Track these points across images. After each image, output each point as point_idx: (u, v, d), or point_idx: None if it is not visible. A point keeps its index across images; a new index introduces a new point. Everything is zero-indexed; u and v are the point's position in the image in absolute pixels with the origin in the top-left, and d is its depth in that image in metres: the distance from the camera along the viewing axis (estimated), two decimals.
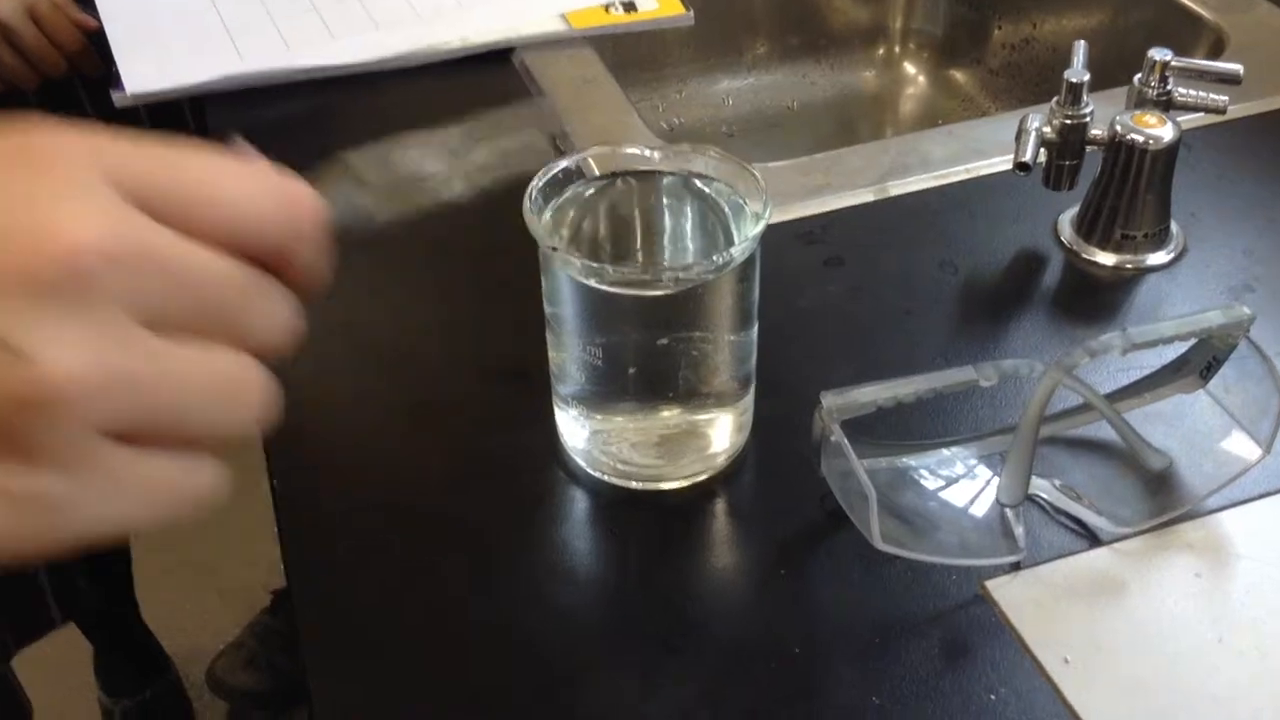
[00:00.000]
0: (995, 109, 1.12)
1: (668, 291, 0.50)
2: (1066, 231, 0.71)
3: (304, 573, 0.54)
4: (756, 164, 0.76)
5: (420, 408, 0.61)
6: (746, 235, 0.51)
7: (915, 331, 0.65)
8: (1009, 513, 0.53)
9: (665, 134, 1.11)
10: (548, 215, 0.53)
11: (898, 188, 0.74)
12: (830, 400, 0.51)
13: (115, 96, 0.85)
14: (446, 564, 0.54)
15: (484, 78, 0.87)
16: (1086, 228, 0.70)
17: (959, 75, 1.16)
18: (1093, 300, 0.67)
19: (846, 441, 0.50)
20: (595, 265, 0.49)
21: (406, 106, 0.85)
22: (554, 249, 0.50)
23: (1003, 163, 0.75)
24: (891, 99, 1.19)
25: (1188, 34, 0.91)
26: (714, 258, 0.49)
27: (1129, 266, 0.69)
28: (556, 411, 0.58)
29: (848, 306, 0.67)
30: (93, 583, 1.44)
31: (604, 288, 0.50)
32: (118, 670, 1.57)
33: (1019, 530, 0.53)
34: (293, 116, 0.84)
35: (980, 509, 0.54)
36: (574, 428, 0.57)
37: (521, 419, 0.60)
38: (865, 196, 0.74)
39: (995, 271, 0.69)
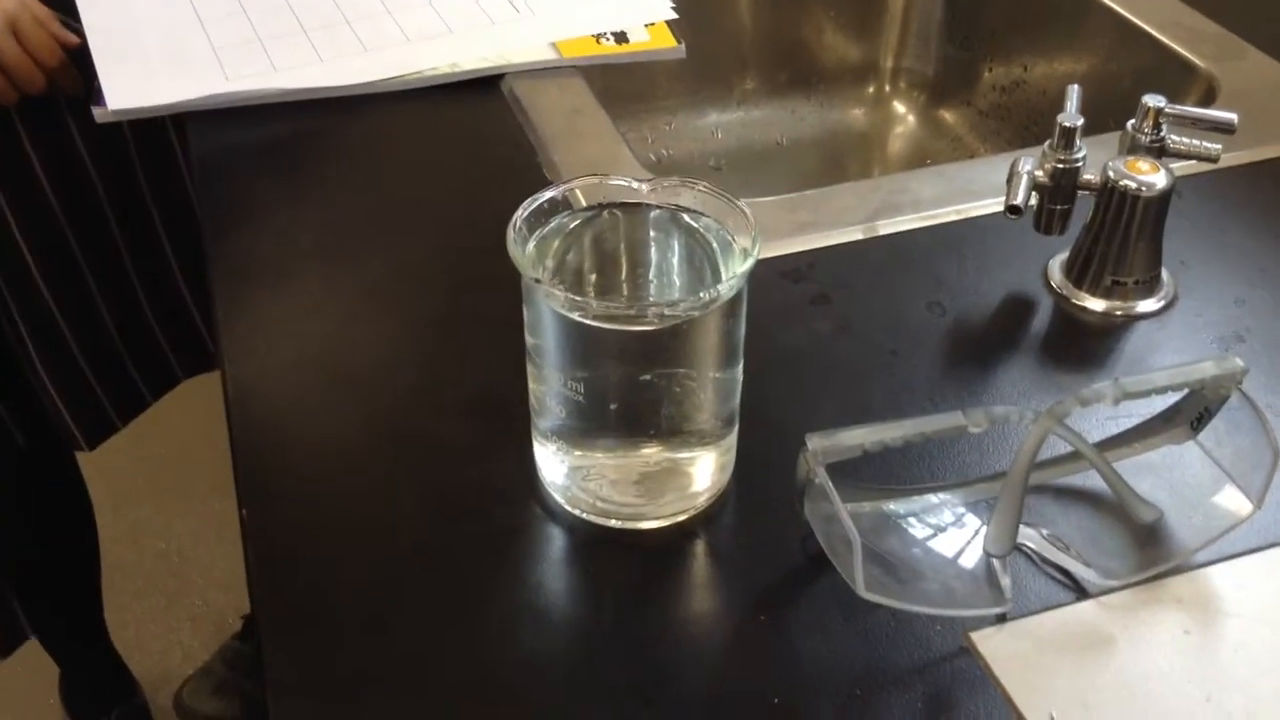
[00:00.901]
0: (984, 150, 1.11)
1: (653, 327, 0.49)
2: (1056, 276, 0.70)
3: (271, 607, 0.53)
4: (744, 199, 0.76)
5: (395, 439, 0.60)
6: (735, 272, 0.50)
7: (902, 373, 0.64)
8: (996, 562, 0.52)
9: (654, 165, 1.10)
10: (531, 246, 0.51)
11: (887, 227, 0.74)
12: (815, 443, 0.49)
13: (96, 112, 0.84)
14: (417, 599, 0.53)
15: (472, 105, 0.86)
16: (1077, 273, 0.69)
17: (948, 115, 1.16)
18: (1082, 347, 0.66)
19: (831, 485, 0.48)
20: (579, 299, 0.48)
21: (392, 131, 0.84)
22: (537, 280, 0.49)
23: (993, 204, 0.74)
24: (880, 137, 1.19)
25: (1179, 81, 0.90)
26: (701, 294, 0.48)
27: (1119, 313, 0.68)
28: (535, 445, 0.57)
29: (833, 346, 0.66)
30: (60, 604, 1.42)
31: (588, 322, 0.49)
32: (83, 692, 1.54)
33: (1005, 580, 0.51)
34: (277, 137, 0.83)
35: (967, 558, 0.53)
36: (552, 463, 0.56)
37: (499, 452, 0.59)
38: (854, 235, 0.73)
39: (984, 314, 0.68)
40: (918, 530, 0.54)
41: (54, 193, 1.03)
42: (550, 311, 0.50)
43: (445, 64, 0.87)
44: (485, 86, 0.88)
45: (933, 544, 0.54)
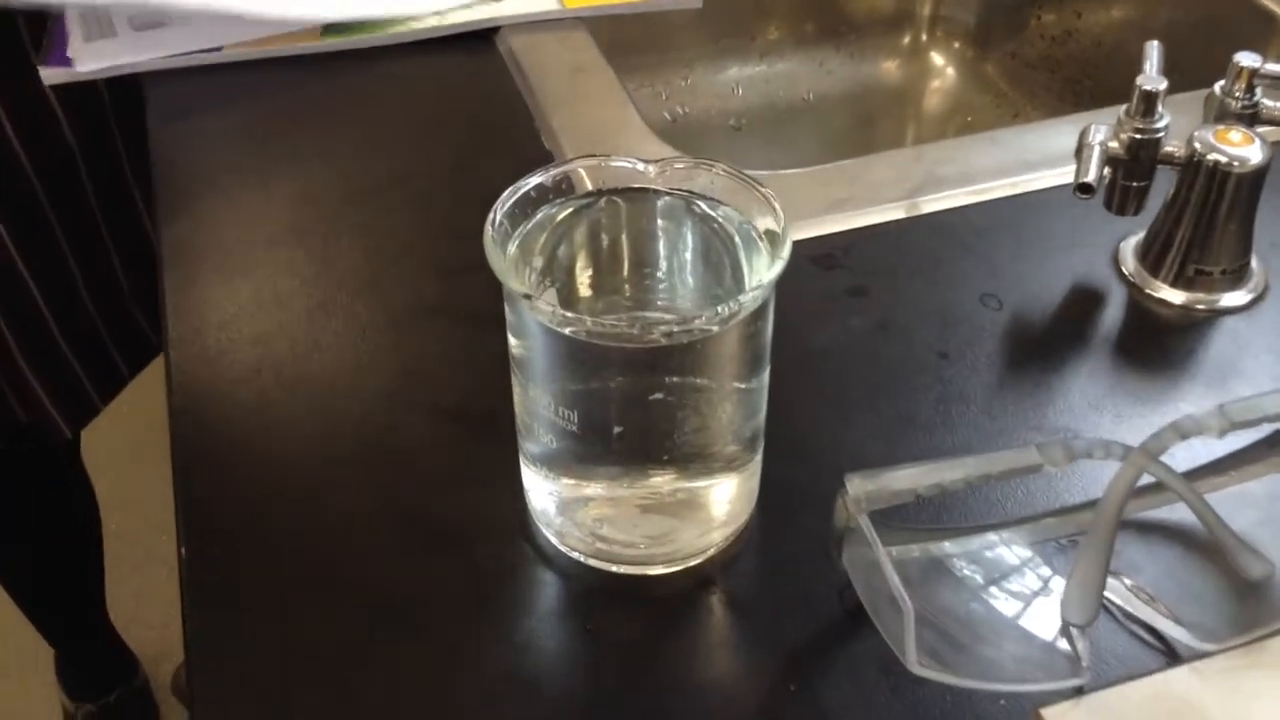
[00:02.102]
0: (1030, 108, 1.01)
1: (661, 344, 0.40)
2: (1129, 263, 0.61)
3: (209, 668, 0.45)
4: (767, 171, 0.67)
5: (362, 458, 0.51)
6: (760, 279, 0.41)
7: (952, 379, 0.55)
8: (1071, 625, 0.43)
9: (667, 125, 1.01)
10: (515, 246, 0.43)
11: (932, 203, 0.64)
12: (857, 486, 0.41)
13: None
14: (382, 660, 0.44)
15: (462, 63, 0.77)
16: (1153, 259, 0.60)
17: (990, 68, 1.06)
18: (1159, 346, 0.57)
19: (879, 542, 0.40)
20: (570, 315, 0.39)
21: (373, 94, 0.75)
22: (526, 297, 0.40)
23: (1054, 177, 0.65)
24: (916, 92, 1.09)
25: (1258, 32, 0.80)
26: (719, 309, 0.39)
27: (1200, 307, 0.59)
28: (523, 470, 0.48)
29: (872, 346, 0.57)
30: (60, 602, 1.37)
31: (582, 339, 0.40)
32: (82, 673, 1.49)
33: (1082, 645, 0.43)
34: (244, 100, 0.74)
35: (1035, 616, 0.44)
36: (542, 493, 0.48)
37: (483, 474, 0.51)
38: (894, 213, 0.64)
39: (1046, 308, 0.59)
40: (976, 579, 0.46)
41: (26, 154, 0.94)
42: (537, 323, 0.41)
43: (431, 14, 0.78)
44: (477, 41, 0.78)
45: (994, 597, 0.45)
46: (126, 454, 1.78)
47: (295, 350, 0.57)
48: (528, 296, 0.39)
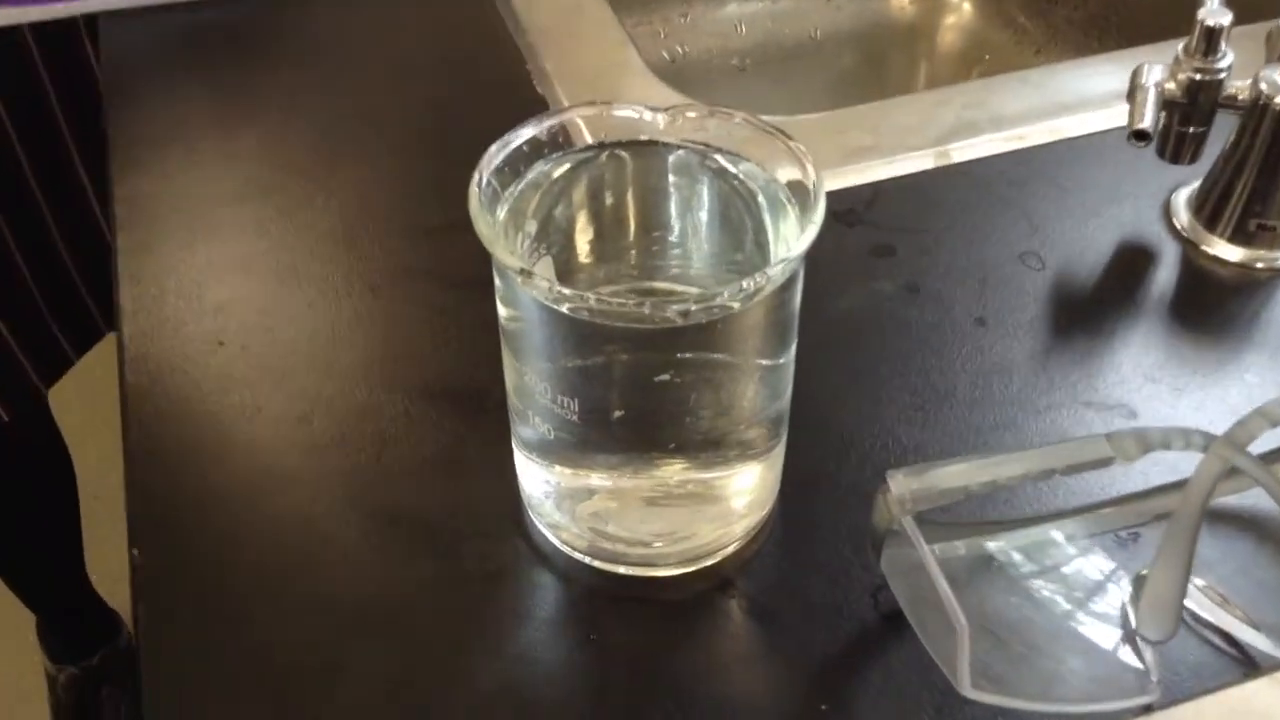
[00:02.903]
0: (1053, 46, 0.95)
1: (675, 324, 0.35)
2: (1182, 216, 0.55)
3: (164, 682, 0.40)
4: (780, 116, 0.61)
5: (336, 443, 0.46)
6: (789, 245, 0.36)
7: (992, 348, 0.50)
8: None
9: (666, 66, 0.94)
10: (503, 211, 0.37)
11: (963, 151, 0.59)
12: (901, 485, 0.35)
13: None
14: (360, 675, 0.39)
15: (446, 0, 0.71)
16: (1209, 213, 0.54)
17: (1009, 2, 0.99)
18: (1216, 309, 0.52)
19: (927, 548, 0.35)
20: (568, 293, 0.33)
21: (347, 32, 0.69)
22: (522, 272, 0.34)
23: (1097, 120, 0.60)
24: (929, 28, 1.03)
25: None
26: (744, 284, 0.34)
27: (1260, 265, 0.53)
28: (517, 458, 0.43)
29: (902, 312, 0.51)
30: (39, 547, 1.32)
31: (583, 317, 0.35)
32: (62, 636, 1.44)
33: (1151, 657, 0.38)
34: (206, 40, 0.67)
35: (1097, 623, 0.39)
36: (538, 484, 0.42)
37: (472, 462, 0.45)
38: (922, 162, 0.58)
39: (1092, 267, 0.53)
40: (1029, 579, 0.41)
41: None
42: (531, 297, 0.36)
43: None
44: None
45: (1050, 601, 0.40)
46: (103, 410, 1.73)
47: (262, 320, 0.51)
48: (522, 271, 0.34)
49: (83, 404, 1.38)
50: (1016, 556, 0.41)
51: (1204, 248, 0.54)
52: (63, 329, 0.99)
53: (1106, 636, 0.39)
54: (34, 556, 1.34)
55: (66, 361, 1.03)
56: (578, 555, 0.42)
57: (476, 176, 0.36)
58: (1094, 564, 0.41)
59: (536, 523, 0.43)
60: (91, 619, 1.45)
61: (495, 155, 0.37)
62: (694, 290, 0.41)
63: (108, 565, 1.51)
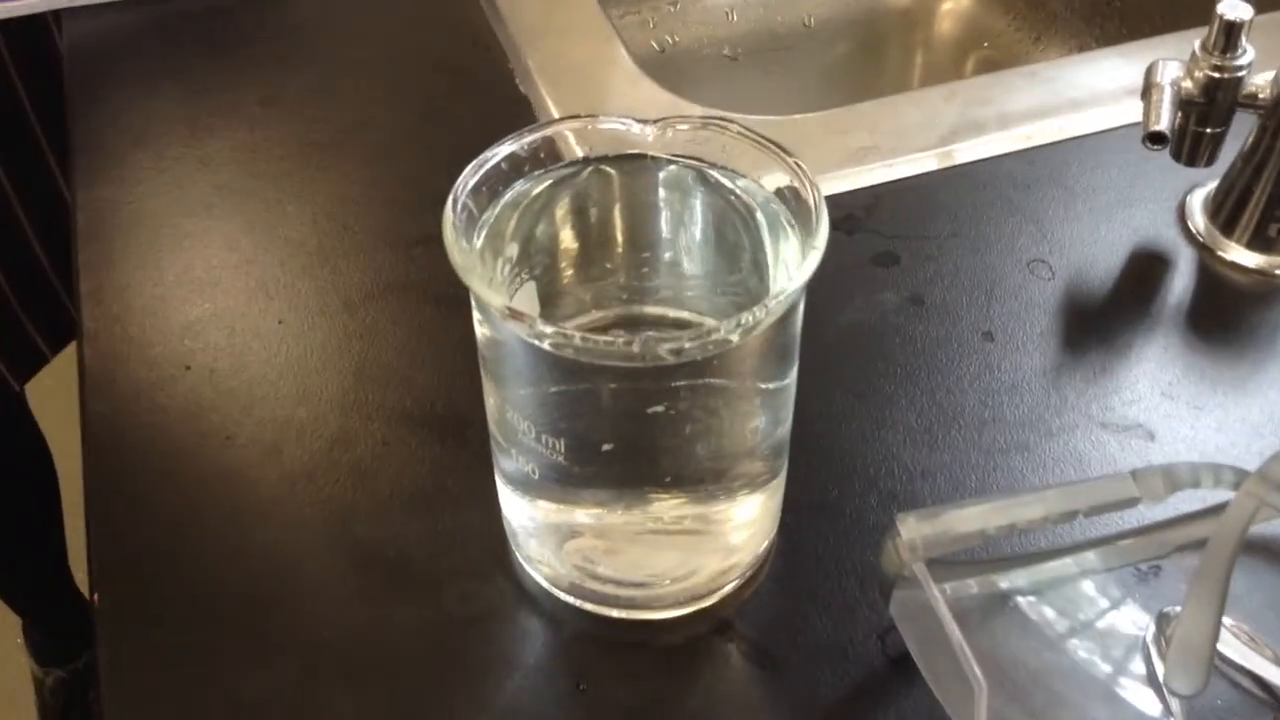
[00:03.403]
0: (1054, 32, 0.92)
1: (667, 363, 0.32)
2: (1198, 219, 0.52)
3: (124, 710, 0.37)
4: (774, 117, 0.58)
5: (308, 475, 0.43)
6: (789, 274, 0.33)
7: (1000, 364, 0.47)
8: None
9: (655, 57, 0.91)
10: (481, 238, 0.34)
11: (967, 151, 0.56)
12: (913, 529, 0.33)
13: None
14: (331, 715, 0.37)
15: None
16: (1226, 217, 0.52)
17: None
18: (1235, 320, 0.50)
19: (941, 599, 0.32)
20: (553, 331, 0.31)
21: (321, 28, 0.66)
22: (509, 312, 0.31)
23: (1107, 118, 0.57)
24: (926, 14, 1.00)
25: None
26: (742, 318, 0.31)
27: None
28: (500, 490, 0.41)
29: (906, 325, 0.49)
30: (21, 549, 1.29)
31: (570, 355, 0.32)
32: (49, 638, 1.42)
33: (1176, 705, 0.36)
34: (175, 36, 0.65)
35: (1119, 667, 0.37)
36: (522, 519, 0.40)
37: (453, 496, 0.43)
38: (925, 164, 0.56)
39: (1104, 275, 0.51)
40: (1047, 620, 0.38)
41: None
42: (512, 332, 0.33)
43: None
44: None
45: (1070, 643, 0.38)
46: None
47: (231, 342, 0.48)
48: (503, 310, 0.31)
49: (64, 400, 1.36)
50: (1033, 596, 0.39)
51: (1221, 253, 0.51)
52: (37, 326, 0.96)
53: (1130, 684, 0.37)
54: (16, 558, 1.31)
55: (41, 359, 1.00)
56: (566, 596, 0.39)
57: (451, 201, 0.33)
58: (1114, 602, 0.39)
59: (522, 562, 0.41)
60: (77, 620, 1.42)
61: (470, 176, 0.34)
62: (687, 316, 0.39)
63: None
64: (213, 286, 0.51)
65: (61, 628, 1.42)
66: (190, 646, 0.39)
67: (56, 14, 0.69)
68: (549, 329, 0.31)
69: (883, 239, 0.52)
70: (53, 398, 1.25)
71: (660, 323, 0.38)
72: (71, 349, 1.02)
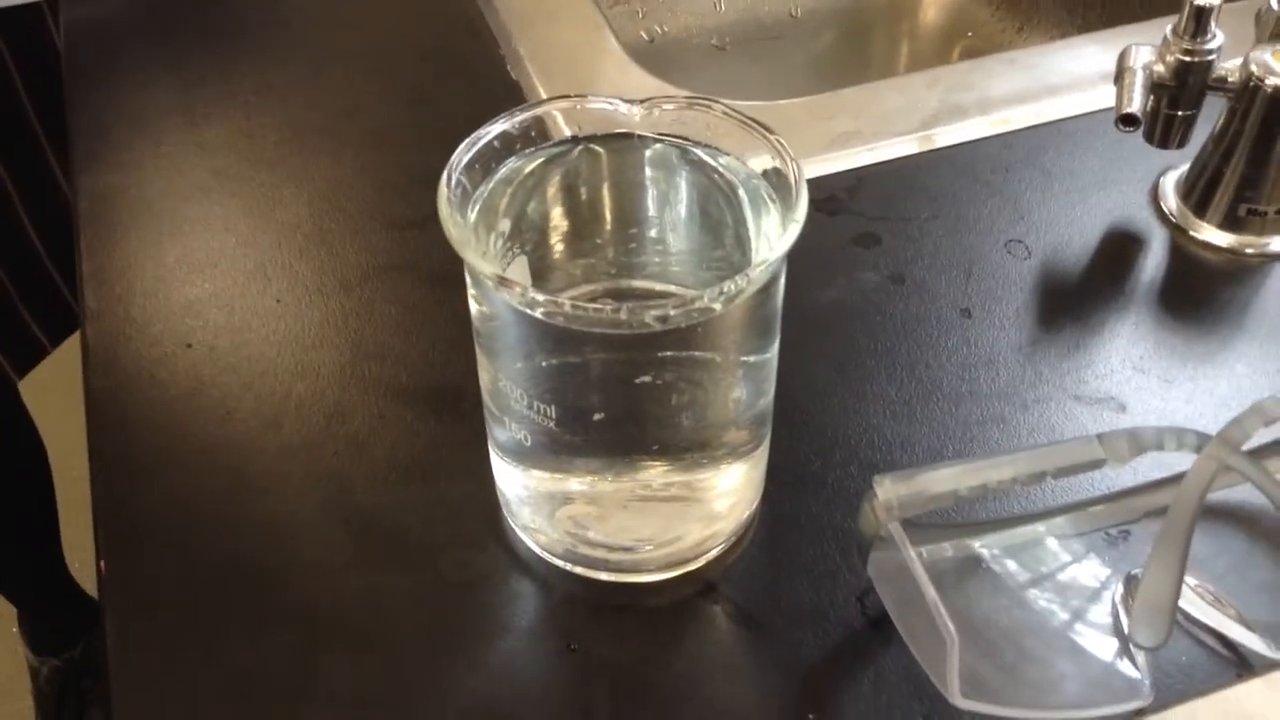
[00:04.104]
0: (1038, 20, 0.94)
1: (653, 329, 0.34)
2: (1170, 200, 0.54)
3: (132, 689, 0.38)
4: (761, 102, 0.60)
5: (307, 448, 0.45)
6: (770, 245, 0.35)
7: (978, 340, 0.49)
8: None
9: (645, 46, 0.93)
10: (474, 212, 0.36)
11: (948, 135, 0.58)
12: (888, 490, 0.34)
13: None
14: (331, 683, 0.38)
15: None
16: (1198, 197, 0.53)
17: None
18: (1206, 297, 0.51)
19: (915, 558, 0.34)
20: (542, 299, 0.32)
21: (313, 14, 0.67)
22: (499, 279, 0.33)
23: (1084, 102, 0.59)
24: (911, 5, 1.01)
25: None
26: (724, 287, 0.32)
27: (1250, 251, 0.52)
28: (493, 461, 0.42)
29: (886, 303, 0.50)
30: (14, 537, 1.30)
31: (559, 323, 0.34)
32: (44, 627, 1.43)
33: (1142, 659, 0.37)
34: (168, 23, 0.66)
35: (1087, 626, 0.39)
36: (515, 488, 0.41)
37: (448, 466, 0.44)
38: (906, 147, 0.57)
39: (1079, 255, 0.52)
40: (1018, 581, 0.40)
41: None
42: (504, 301, 0.35)
43: None
44: None
45: (1040, 603, 0.39)
46: (80, 395, 1.71)
47: (231, 320, 0.50)
48: (495, 278, 0.33)
49: (60, 389, 1.36)
50: (1005, 558, 0.40)
51: (1193, 233, 0.53)
52: (35, 318, 0.97)
53: (1098, 641, 0.38)
54: (10, 548, 1.32)
55: (41, 351, 1.01)
56: (557, 561, 0.41)
57: (445, 176, 0.34)
58: (1084, 564, 0.40)
59: (515, 529, 0.42)
60: (72, 609, 1.43)
61: (464, 153, 0.35)
62: (673, 289, 0.40)
63: (87, 555, 1.50)
64: (212, 267, 0.52)
65: (55, 616, 1.43)
66: (194, 613, 0.40)
67: (53, 4, 0.70)
68: (540, 296, 0.32)
69: (865, 220, 0.53)
70: (48, 391, 1.26)
71: (647, 295, 0.40)
72: (67, 345, 1.03)
